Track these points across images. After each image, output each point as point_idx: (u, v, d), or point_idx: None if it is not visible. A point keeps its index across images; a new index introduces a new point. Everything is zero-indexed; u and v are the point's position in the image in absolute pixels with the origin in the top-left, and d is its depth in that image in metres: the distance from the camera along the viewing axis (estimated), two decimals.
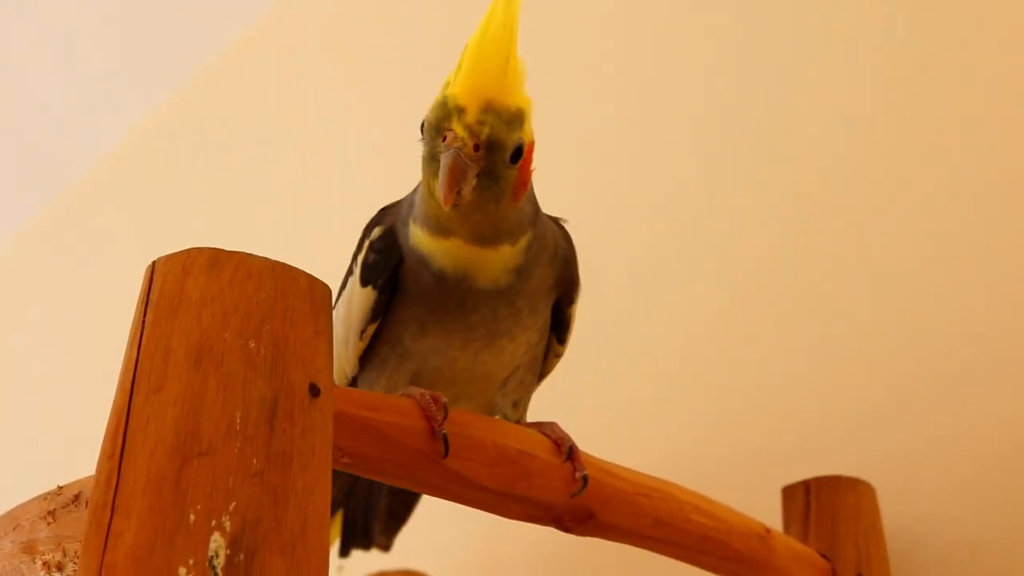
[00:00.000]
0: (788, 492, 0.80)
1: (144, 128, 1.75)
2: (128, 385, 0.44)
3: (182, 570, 0.40)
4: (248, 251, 0.47)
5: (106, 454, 0.43)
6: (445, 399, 0.56)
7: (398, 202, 0.63)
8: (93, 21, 1.60)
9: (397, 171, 1.38)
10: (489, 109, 0.54)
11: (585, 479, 0.60)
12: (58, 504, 0.51)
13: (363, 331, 0.61)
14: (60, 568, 0.51)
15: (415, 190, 0.60)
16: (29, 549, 0.52)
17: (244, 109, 1.60)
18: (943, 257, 0.88)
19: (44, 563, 0.52)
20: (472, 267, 0.58)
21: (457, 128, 0.54)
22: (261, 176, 1.53)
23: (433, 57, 1.35)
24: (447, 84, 0.55)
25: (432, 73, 1.48)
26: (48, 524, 0.51)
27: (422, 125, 0.55)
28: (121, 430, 0.43)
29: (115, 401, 0.44)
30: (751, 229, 1.00)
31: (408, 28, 1.41)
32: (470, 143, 0.54)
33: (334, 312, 0.61)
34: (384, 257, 0.60)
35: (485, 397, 0.65)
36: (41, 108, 1.73)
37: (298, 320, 0.46)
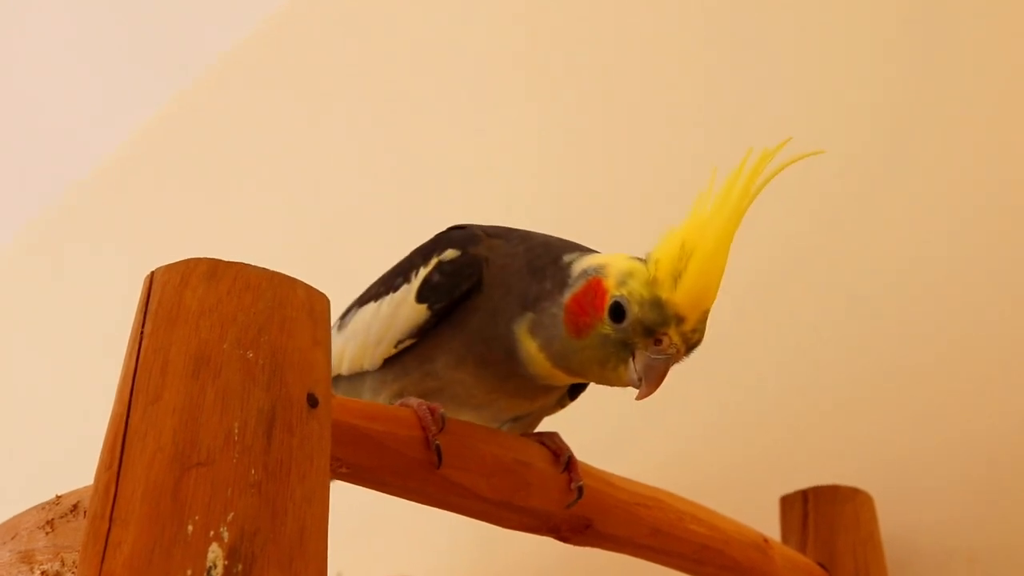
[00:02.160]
0: (786, 502, 0.80)
1: (143, 136, 1.75)
2: (127, 395, 0.44)
3: None
4: (247, 261, 0.47)
5: (104, 464, 0.43)
6: (443, 410, 0.56)
7: (481, 235, 0.61)
8: (93, 26, 1.60)
9: (396, 180, 1.38)
10: (704, 317, 0.55)
11: (580, 490, 0.60)
12: (56, 514, 0.51)
13: (400, 341, 0.61)
14: None
15: (535, 273, 0.58)
16: (27, 559, 0.52)
17: (245, 117, 1.60)
18: (942, 266, 0.88)
19: (42, 572, 0.52)
20: (552, 380, 0.60)
21: (675, 336, 0.54)
22: (261, 185, 1.53)
23: (435, 65, 1.36)
24: (657, 281, 0.54)
25: (433, 81, 1.48)
26: (46, 534, 0.51)
27: (619, 310, 0.54)
28: (119, 440, 0.43)
29: (113, 411, 0.44)
30: (748, 237, 1.00)
31: (411, 35, 1.41)
32: (683, 350, 0.55)
33: (375, 307, 0.62)
34: (451, 283, 0.59)
35: (491, 425, 0.65)
36: (41, 113, 1.73)
37: (296, 330, 0.46)
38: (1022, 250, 0.85)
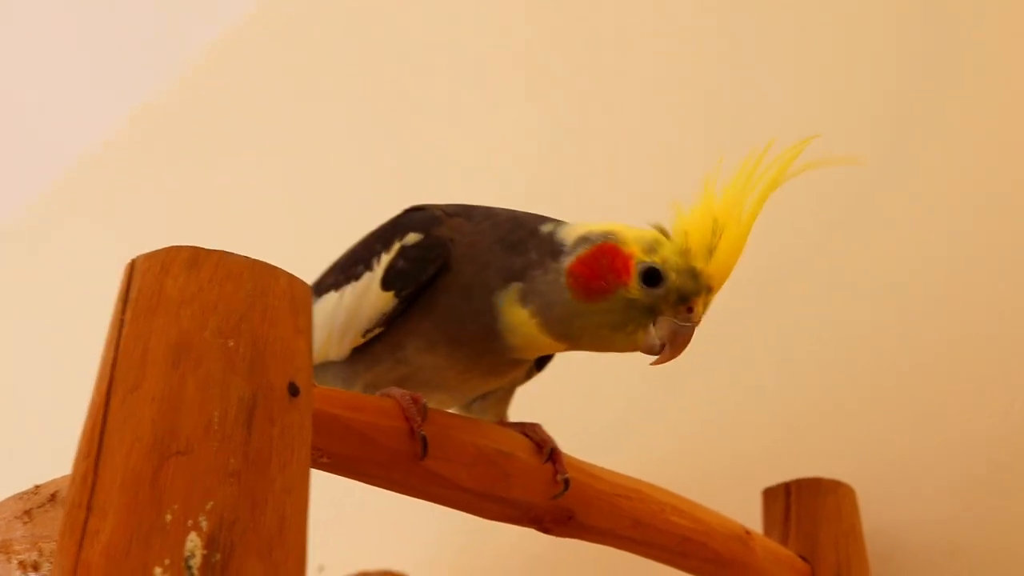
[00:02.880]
0: (769, 494, 0.80)
1: (126, 126, 1.74)
2: (106, 384, 0.44)
3: (158, 570, 0.39)
4: (228, 250, 0.47)
5: (83, 453, 0.43)
6: (425, 400, 0.55)
7: (441, 215, 0.61)
8: (77, 17, 1.59)
9: (384, 171, 1.37)
10: (723, 287, 0.57)
11: (567, 482, 0.60)
12: (34, 504, 0.51)
13: (368, 330, 0.60)
14: (36, 568, 0.51)
15: (513, 247, 0.59)
16: (5, 549, 0.52)
17: (229, 107, 1.59)
18: (926, 259, 0.88)
19: (20, 563, 0.51)
20: (532, 350, 0.60)
21: (701, 306, 0.57)
22: (243, 175, 1.52)
23: (431, 54, 1.35)
24: (692, 252, 0.56)
25: (428, 71, 1.46)
26: (24, 524, 0.51)
27: (655, 276, 0.56)
28: (98, 429, 0.43)
29: (92, 400, 0.44)
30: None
31: (406, 24, 1.40)
32: (702, 317, 0.57)
33: (337, 297, 0.61)
34: (417, 268, 0.59)
35: (461, 403, 0.66)
36: (24, 105, 1.72)
37: (277, 319, 0.45)
38: (1002, 244, 0.85)
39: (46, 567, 0.50)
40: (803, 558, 0.76)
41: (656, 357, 0.57)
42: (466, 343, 0.59)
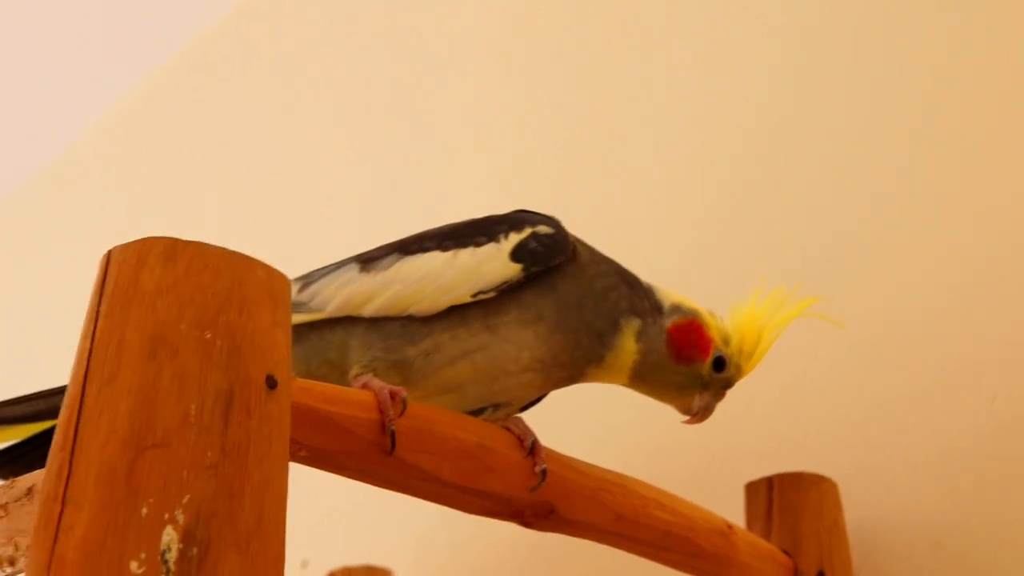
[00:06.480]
0: (751, 488, 0.80)
1: (105, 121, 1.73)
2: (81, 376, 0.43)
3: (133, 564, 0.39)
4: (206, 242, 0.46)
5: (58, 446, 0.42)
6: (405, 394, 0.55)
7: (561, 229, 0.66)
8: (59, 10, 1.58)
9: (356, 164, 1.37)
10: None
11: (544, 473, 0.60)
12: (10, 498, 0.50)
13: (481, 292, 0.63)
14: (12, 563, 0.51)
15: (631, 286, 0.67)
16: None
17: (208, 102, 1.59)
18: (909, 254, 0.88)
19: None
20: (603, 376, 0.67)
21: (729, 388, 0.69)
22: (222, 169, 1.51)
23: (403, 52, 1.35)
24: (742, 353, 0.68)
25: (403, 68, 1.45)
26: (0, 518, 0.50)
27: (722, 363, 0.68)
28: (73, 422, 0.42)
29: (68, 392, 0.44)
30: (725, 228, 1.00)
31: (378, 22, 1.40)
32: None
33: (447, 256, 0.64)
34: (548, 253, 0.64)
35: (479, 405, 0.66)
36: (3, 97, 1.71)
37: (256, 311, 0.45)
38: (983, 237, 0.85)
39: (22, 562, 0.50)
40: (785, 552, 0.76)
41: (687, 418, 0.69)
42: (573, 331, 0.64)
